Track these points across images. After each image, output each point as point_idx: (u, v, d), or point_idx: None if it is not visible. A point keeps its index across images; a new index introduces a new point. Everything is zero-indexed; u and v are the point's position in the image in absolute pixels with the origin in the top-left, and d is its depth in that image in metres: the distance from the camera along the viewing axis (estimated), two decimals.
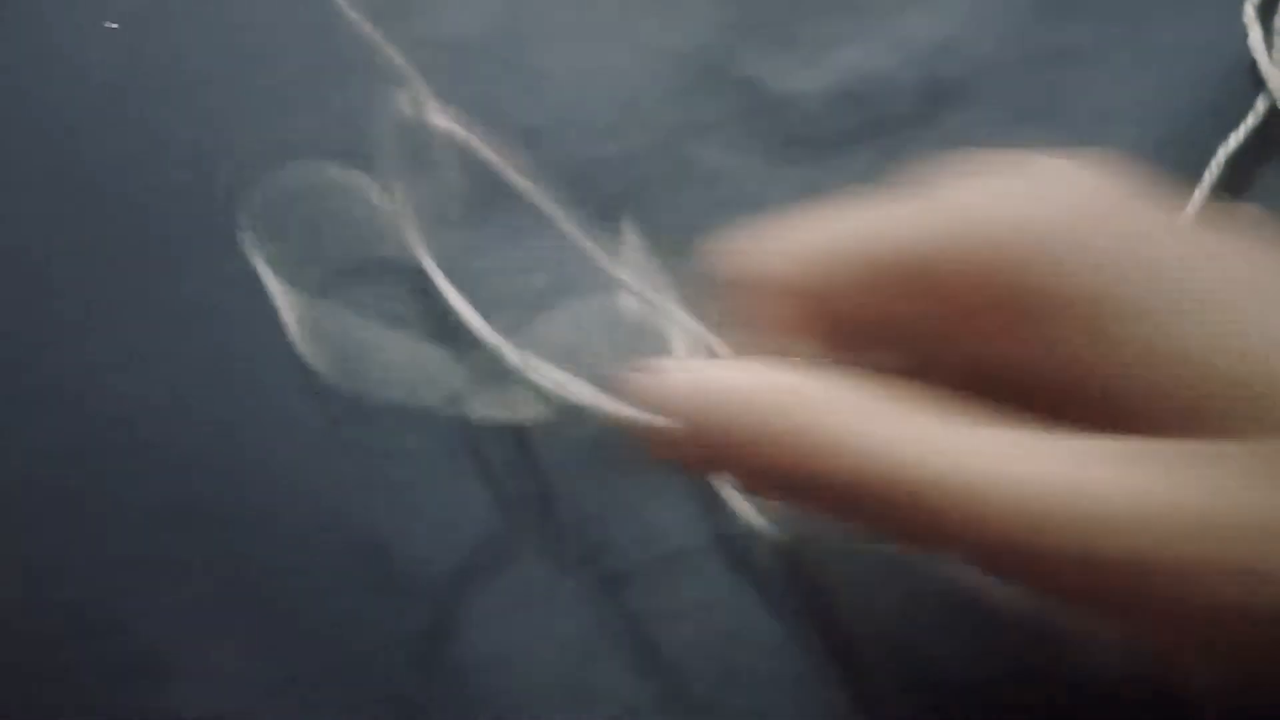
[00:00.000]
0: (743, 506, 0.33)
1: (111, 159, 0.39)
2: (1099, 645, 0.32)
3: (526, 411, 0.32)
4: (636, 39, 0.41)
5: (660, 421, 0.26)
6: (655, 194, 0.39)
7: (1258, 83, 0.38)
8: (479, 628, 0.34)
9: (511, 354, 0.32)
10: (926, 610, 0.33)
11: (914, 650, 0.33)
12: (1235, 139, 0.37)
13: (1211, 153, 0.37)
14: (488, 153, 0.33)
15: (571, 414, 0.30)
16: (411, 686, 0.34)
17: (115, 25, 0.41)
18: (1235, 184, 0.37)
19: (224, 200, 0.38)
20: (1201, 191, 0.37)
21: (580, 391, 0.30)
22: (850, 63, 0.40)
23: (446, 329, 0.36)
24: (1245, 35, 0.39)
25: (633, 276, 0.33)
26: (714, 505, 0.35)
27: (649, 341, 0.33)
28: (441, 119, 0.35)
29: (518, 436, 0.36)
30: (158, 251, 0.38)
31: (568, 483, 0.35)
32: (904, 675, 0.33)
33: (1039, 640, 0.33)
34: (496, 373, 0.32)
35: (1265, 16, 0.39)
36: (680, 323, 0.32)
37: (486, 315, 0.37)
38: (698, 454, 0.26)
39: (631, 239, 0.34)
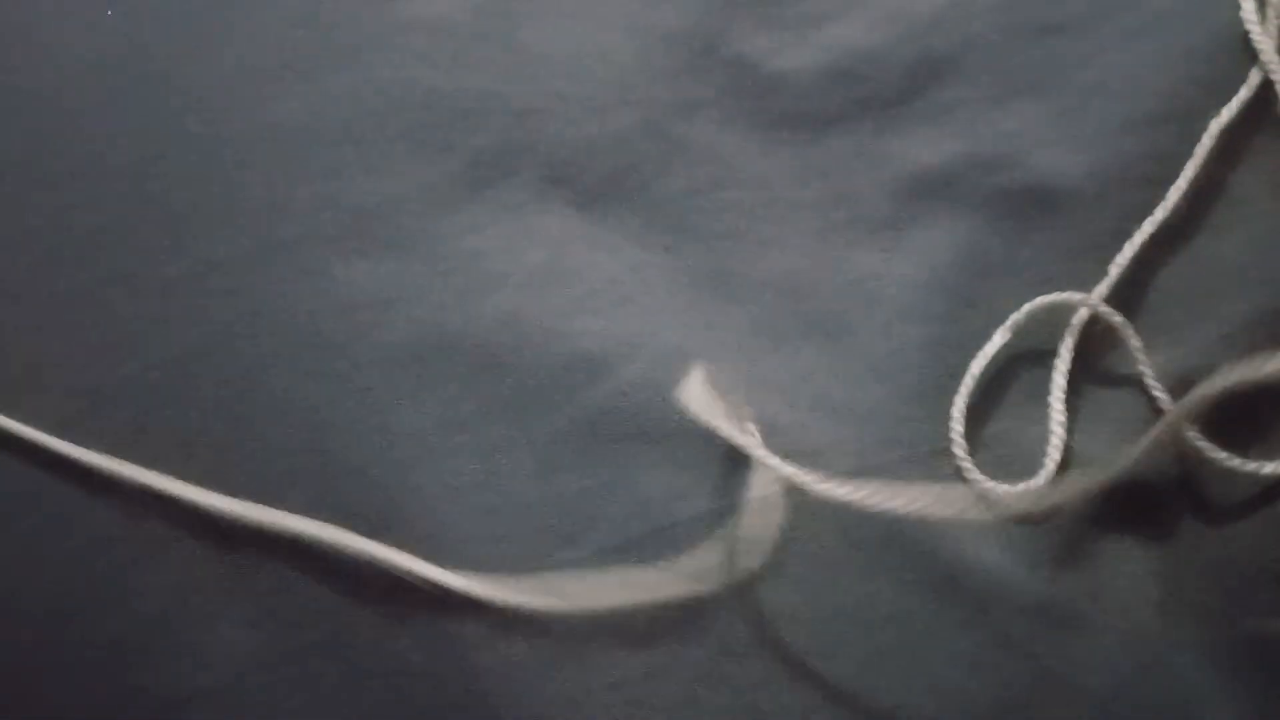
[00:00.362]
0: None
1: (107, 139, 0.40)
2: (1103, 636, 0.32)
3: None
4: (626, 18, 0.41)
5: None
6: (645, 173, 0.39)
7: (1250, 55, 0.38)
8: (472, 602, 0.34)
9: None
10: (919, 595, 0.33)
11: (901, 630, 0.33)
12: (1228, 112, 0.37)
13: (1204, 125, 0.37)
14: None
15: None
16: (413, 658, 0.34)
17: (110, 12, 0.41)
18: (1227, 157, 0.37)
19: (219, 182, 0.39)
20: (1194, 164, 0.37)
21: None
22: (841, 39, 0.40)
23: None
24: (1238, 6, 0.39)
25: None
26: (709, 476, 0.35)
27: None
28: None
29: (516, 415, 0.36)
30: (151, 231, 0.39)
31: (562, 457, 0.36)
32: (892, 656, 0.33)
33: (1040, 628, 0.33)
34: None
35: None
36: None
37: (484, 294, 0.37)
38: None
39: None
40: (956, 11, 0.40)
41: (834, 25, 0.41)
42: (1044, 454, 0.34)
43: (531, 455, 0.36)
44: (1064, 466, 0.34)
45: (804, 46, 0.40)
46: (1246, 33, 0.38)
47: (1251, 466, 0.34)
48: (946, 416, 0.35)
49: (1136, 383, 0.35)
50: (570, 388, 0.36)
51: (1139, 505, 0.34)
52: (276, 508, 0.35)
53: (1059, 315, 0.36)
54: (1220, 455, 0.34)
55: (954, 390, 0.35)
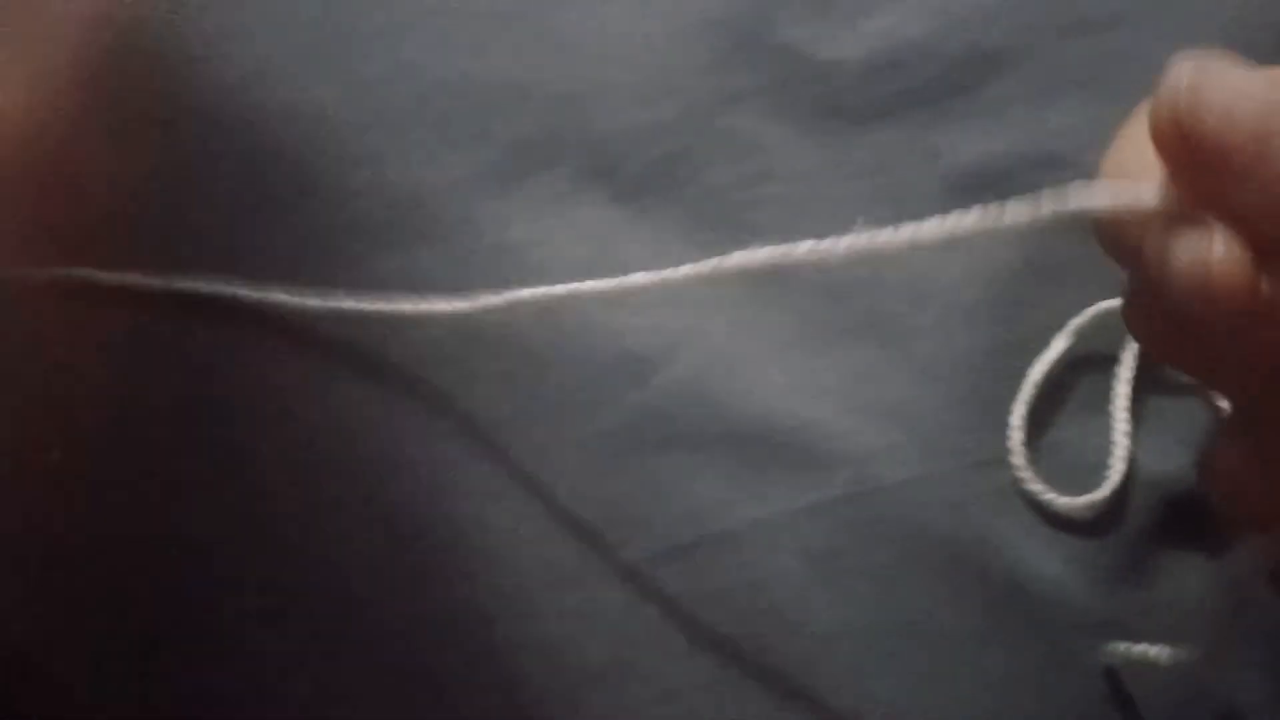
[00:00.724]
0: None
1: (133, 126, 0.38)
2: None
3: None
4: (669, 4, 0.39)
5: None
6: (688, 165, 0.38)
7: None
8: (518, 609, 0.33)
9: None
10: None
11: None
12: None
13: None
14: None
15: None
16: (448, 668, 0.33)
17: None
18: None
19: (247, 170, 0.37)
20: None
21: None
22: (890, 29, 0.39)
23: None
24: None
25: None
26: (756, 482, 0.34)
27: None
28: None
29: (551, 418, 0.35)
30: (176, 219, 0.37)
31: (607, 461, 0.35)
32: None
33: None
34: None
35: None
36: None
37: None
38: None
39: None
40: (1008, 3, 0.39)
41: (883, 15, 0.39)
42: (1106, 465, 0.33)
43: (574, 458, 0.34)
44: (1127, 478, 0.33)
45: (852, 36, 0.39)
46: None
47: None
48: (1004, 424, 0.34)
49: (1201, 390, 0.34)
50: (614, 388, 0.35)
51: (1201, 517, 0.33)
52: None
53: (1121, 319, 0.34)
54: None
55: (1012, 397, 0.34)
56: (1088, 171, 0.38)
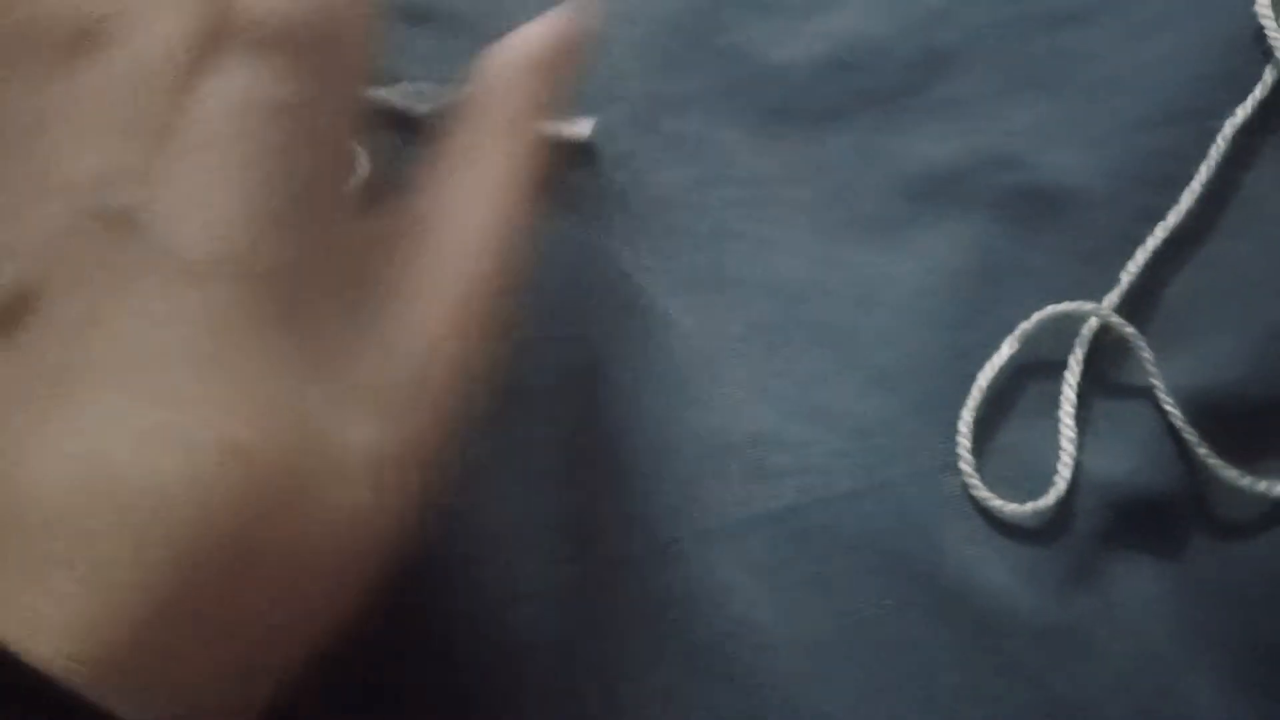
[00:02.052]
0: None
1: None
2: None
3: None
4: (614, 4, 0.39)
5: None
6: (635, 169, 0.38)
7: (1265, 52, 0.37)
8: (465, 624, 0.32)
9: None
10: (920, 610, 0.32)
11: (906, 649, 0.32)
12: (1243, 111, 0.36)
13: (1217, 125, 0.36)
14: None
15: None
16: (393, 673, 0.32)
17: None
18: (1243, 158, 0.36)
19: None
20: (1208, 167, 0.35)
21: None
22: (840, 29, 0.39)
23: None
24: (1252, 0, 0.37)
25: None
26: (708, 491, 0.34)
27: None
28: None
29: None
30: None
31: (558, 469, 0.34)
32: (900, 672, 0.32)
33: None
34: None
35: None
36: None
37: None
38: None
39: None
40: (958, 2, 0.39)
41: (833, 14, 0.39)
42: (1054, 470, 0.33)
43: (524, 468, 0.34)
44: (1074, 483, 0.33)
45: (801, 36, 0.39)
46: (1261, 28, 0.37)
47: (1262, 486, 0.33)
48: (952, 430, 0.33)
49: (1148, 395, 0.34)
50: (563, 396, 0.35)
51: (1149, 523, 0.33)
52: None
53: (1069, 325, 0.34)
54: (1231, 474, 0.33)
55: (960, 402, 0.34)
56: (1043, 171, 0.38)
